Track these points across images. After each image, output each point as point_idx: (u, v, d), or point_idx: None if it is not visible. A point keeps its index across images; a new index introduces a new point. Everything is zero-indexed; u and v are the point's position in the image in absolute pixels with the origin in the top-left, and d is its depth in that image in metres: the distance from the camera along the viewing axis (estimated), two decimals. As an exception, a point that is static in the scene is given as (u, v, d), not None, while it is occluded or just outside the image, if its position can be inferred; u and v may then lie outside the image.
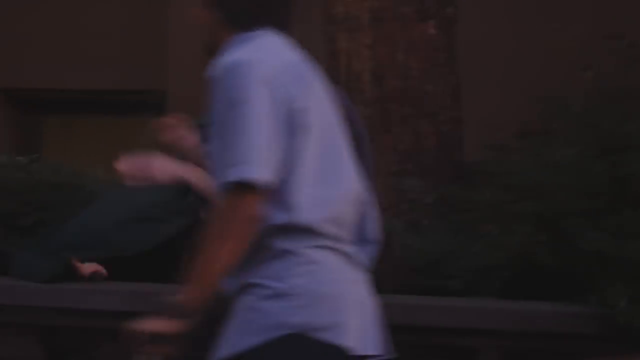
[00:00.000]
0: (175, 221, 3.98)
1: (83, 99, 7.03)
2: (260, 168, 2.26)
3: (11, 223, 4.29)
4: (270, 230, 2.32)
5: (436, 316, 3.71)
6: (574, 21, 4.23)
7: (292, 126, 2.33)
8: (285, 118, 2.32)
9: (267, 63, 2.34)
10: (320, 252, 2.38)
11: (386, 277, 4.27)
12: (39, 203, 4.31)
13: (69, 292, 3.88)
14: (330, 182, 2.40)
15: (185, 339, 2.29)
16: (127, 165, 3.85)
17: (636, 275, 3.60)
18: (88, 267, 3.94)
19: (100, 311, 3.82)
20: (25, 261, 4.00)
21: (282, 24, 2.56)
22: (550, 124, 4.31)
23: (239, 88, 2.30)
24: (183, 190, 3.95)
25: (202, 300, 2.29)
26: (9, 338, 3.97)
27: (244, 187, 2.26)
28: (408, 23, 4.54)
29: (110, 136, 6.95)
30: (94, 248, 3.95)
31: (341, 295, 2.39)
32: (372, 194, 3.66)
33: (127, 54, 6.81)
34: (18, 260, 4.02)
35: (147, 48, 6.78)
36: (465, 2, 4.84)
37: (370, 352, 2.47)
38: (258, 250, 2.33)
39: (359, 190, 2.54)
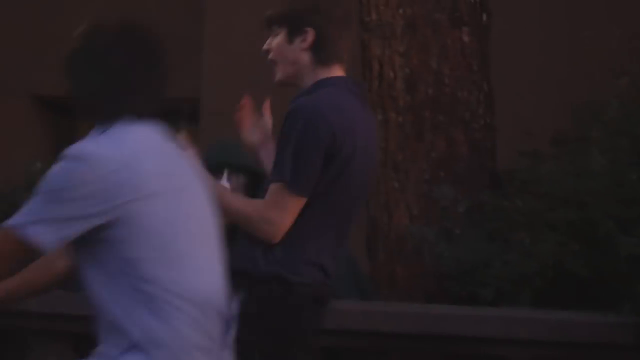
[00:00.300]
0: None
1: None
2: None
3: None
4: None
5: (467, 325, 3.69)
6: (607, 27, 4.19)
7: None
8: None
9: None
10: None
11: (418, 285, 4.29)
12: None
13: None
14: None
15: None
16: None
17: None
18: None
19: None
20: None
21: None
22: (585, 131, 4.29)
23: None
24: None
25: None
26: (45, 346, 3.99)
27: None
28: (441, 30, 4.52)
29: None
30: None
31: None
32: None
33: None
34: None
35: (179, 56, 6.81)
36: (498, 9, 4.80)
37: None
38: None
39: None
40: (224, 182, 3.67)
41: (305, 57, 3.11)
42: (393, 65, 4.51)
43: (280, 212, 2.97)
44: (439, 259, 4.08)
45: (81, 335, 3.97)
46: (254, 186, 3.71)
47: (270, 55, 3.17)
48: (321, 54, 3.11)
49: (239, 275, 2.89)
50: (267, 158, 3.25)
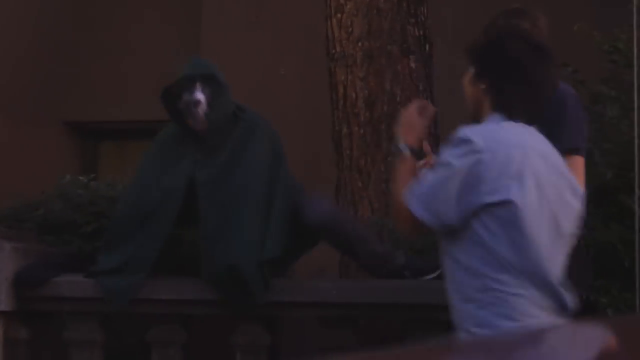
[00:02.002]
0: None
1: (132, 128, 7.08)
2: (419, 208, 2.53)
3: (75, 230, 4.33)
4: None
5: (420, 295, 3.71)
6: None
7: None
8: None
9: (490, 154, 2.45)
10: None
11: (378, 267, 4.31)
12: (98, 213, 4.32)
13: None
14: None
15: None
16: None
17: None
18: None
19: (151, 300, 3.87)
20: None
21: (532, 119, 2.63)
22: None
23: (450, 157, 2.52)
24: None
25: None
26: (75, 324, 4.00)
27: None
28: (393, 59, 4.54)
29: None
30: None
31: None
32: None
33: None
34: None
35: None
36: (439, 40, 4.86)
37: None
38: None
39: None
40: (198, 94, 3.59)
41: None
42: (355, 88, 4.54)
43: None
44: (396, 243, 4.04)
45: (106, 315, 4.02)
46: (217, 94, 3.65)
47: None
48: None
49: None
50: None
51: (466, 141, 2.50)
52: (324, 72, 4.78)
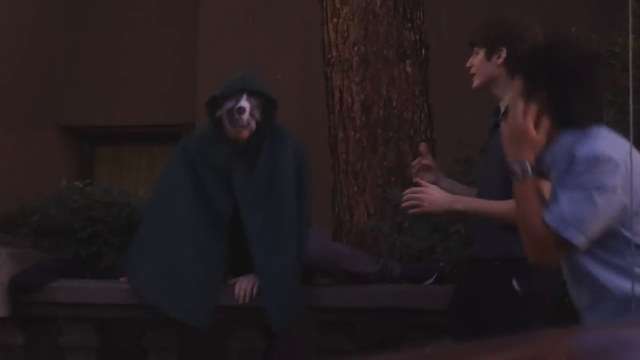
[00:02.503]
0: None
1: (129, 132, 7.09)
2: (578, 235, 2.45)
3: (71, 235, 4.33)
4: None
5: (416, 300, 3.75)
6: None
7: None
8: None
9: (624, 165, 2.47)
10: None
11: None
12: (93, 218, 4.33)
13: (119, 291, 3.93)
14: None
15: None
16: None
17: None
18: None
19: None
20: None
21: (601, 119, 2.63)
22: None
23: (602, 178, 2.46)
24: None
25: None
26: (71, 329, 4.00)
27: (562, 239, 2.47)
28: (389, 63, 4.54)
29: (151, 163, 6.99)
30: None
31: None
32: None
33: (165, 93, 6.87)
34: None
35: (177, 86, 6.82)
36: (435, 44, 4.87)
37: None
38: None
39: None
40: (243, 102, 3.75)
41: (501, 72, 3.16)
42: (351, 92, 4.54)
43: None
44: (393, 247, 4.09)
45: (102, 320, 4.02)
46: (267, 107, 3.83)
47: (472, 70, 3.24)
48: (513, 68, 3.00)
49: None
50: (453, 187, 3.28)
51: (607, 159, 2.49)
52: (320, 77, 4.79)
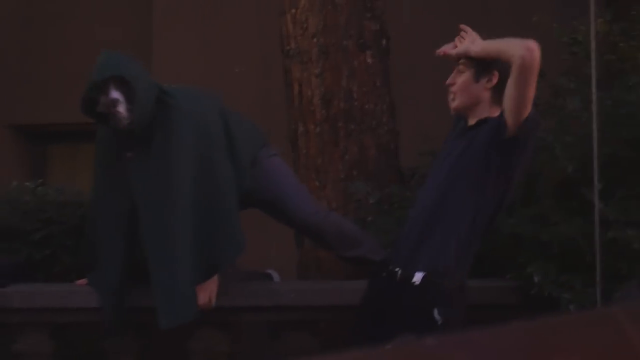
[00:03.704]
0: None
1: (81, 130, 7.02)
2: None
3: (23, 238, 4.28)
4: None
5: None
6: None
7: None
8: None
9: None
10: None
11: (338, 266, 4.34)
12: (46, 220, 4.26)
13: (75, 294, 3.89)
14: None
15: None
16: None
17: (547, 254, 3.66)
18: None
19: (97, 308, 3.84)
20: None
21: None
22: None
23: None
24: None
25: None
26: (24, 336, 3.94)
27: None
28: (349, 54, 4.54)
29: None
30: None
31: None
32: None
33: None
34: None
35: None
36: (396, 34, 4.88)
37: None
38: None
39: None
40: (113, 93, 3.50)
41: (487, 96, 3.12)
42: (310, 85, 4.53)
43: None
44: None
45: (57, 325, 3.97)
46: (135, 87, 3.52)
47: (454, 89, 3.16)
48: (499, 95, 3.07)
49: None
50: None
51: None
52: (279, 69, 4.77)
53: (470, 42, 3.11)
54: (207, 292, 3.62)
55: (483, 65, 3.10)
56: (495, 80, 3.10)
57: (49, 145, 7.27)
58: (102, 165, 3.80)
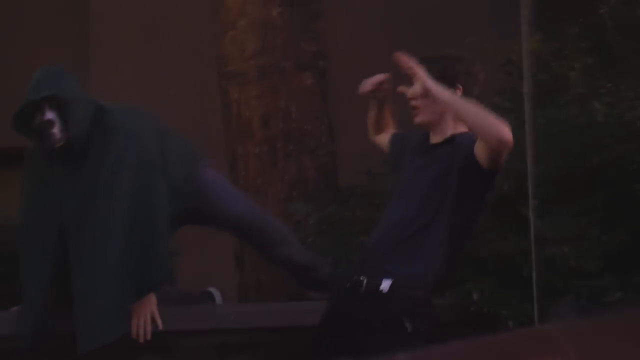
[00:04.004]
0: None
1: (14, 155, 6.91)
2: None
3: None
4: None
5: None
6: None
7: None
8: None
9: None
10: None
11: (280, 288, 4.34)
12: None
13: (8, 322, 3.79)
14: None
15: None
16: None
17: (484, 271, 3.70)
18: None
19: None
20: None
21: None
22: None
23: None
24: None
25: None
26: None
27: None
28: (288, 75, 4.57)
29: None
30: None
31: None
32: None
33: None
34: None
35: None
36: (334, 56, 4.91)
37: None
38: None
39: None
40: (48, 113, 3.42)
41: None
42: (249, 106, 4.54)
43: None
44: (297, 264, 4.08)
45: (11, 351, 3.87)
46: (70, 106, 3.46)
47: (415, 103, 3.12)
48: None
49: None
50: None
51: None
52: (216, 91, 4.76)
53: (423, 78, 3.06)
54: (143, 313, 3.58)
55: (447, 81, 3.08)
56: (459, 95, 3.11)
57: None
58: (32, 182, 3.72)
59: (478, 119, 2.93)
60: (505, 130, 2.88)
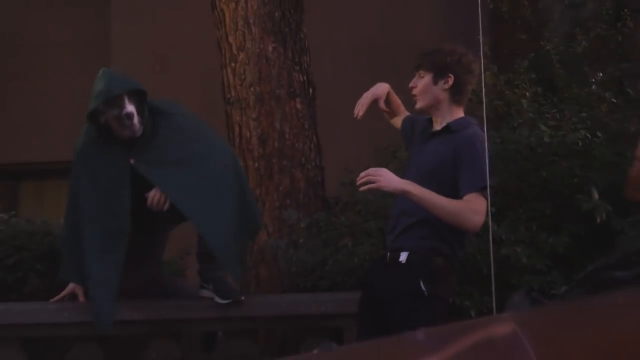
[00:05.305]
0: None
1: (49, 168, 6.89)
2: None
3: (-3, 263, 4.16)
4: None
5: (311, 306, 3.74)
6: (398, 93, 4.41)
7: None
8: None
9: None
10: None
11: (276, 282, 4.33)
12: (18, 247, 4.14)
13: (42, 311, 3.78)
14: None
15: None
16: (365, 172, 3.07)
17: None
18: None
19: (69, 323, 3.73)
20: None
21: None
22: (385, 166, 4.39)
23: None
24: None
25: None
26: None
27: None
28: (281, 101, 4.56)
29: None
30: None
31: None
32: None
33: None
34: None
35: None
36: (321, 84, 4.92)
37: None
38: None
39: None
40: (129, 107, 3.36)
41: (445, 96, 3.09)
42: (249, 127, 4.54)
43: (482, 206, 2.94)
44: (289, 262, 4.09)
45: (26, 339, 3.85)
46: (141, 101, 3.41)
47: (415, 91, 3.11)
48: (456, 95, 3.08)
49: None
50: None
51: None
52: (220, 114, 4.77)
53: (385, 180, 3.00)
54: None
55: (440, 70, 3.07)
56: (451, 82, 3.08)
57: (21, 182, 7.10)
58: (90, 173, 3.54)
59: (451, 217, 2.94)
60: (474, 224, 2.95)
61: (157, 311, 3.72)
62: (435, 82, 3.09)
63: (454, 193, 2.99)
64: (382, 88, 3.41)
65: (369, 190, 3.12)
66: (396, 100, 3.47)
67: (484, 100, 3.11)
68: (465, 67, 3.10)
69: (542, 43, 5.31)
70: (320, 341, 3.64)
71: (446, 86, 3.08)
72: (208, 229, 3.44)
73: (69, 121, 6.87)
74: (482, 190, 2.93)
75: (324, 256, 3.99)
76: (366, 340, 2.68)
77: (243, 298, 3.58)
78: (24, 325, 3.76)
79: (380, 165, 4.32)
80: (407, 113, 3.47)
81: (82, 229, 3.53)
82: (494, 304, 2.75)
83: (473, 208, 2.93)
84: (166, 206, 3.41)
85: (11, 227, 4.26)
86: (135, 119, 3.40)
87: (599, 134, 3.98)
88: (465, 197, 2.94)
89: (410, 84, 3.16)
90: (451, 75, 3.08)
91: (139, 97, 3.44)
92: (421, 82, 3.11)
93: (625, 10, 5.84)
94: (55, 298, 3.77)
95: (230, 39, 4.64)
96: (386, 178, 3.00)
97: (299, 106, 4.59)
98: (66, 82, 6.89)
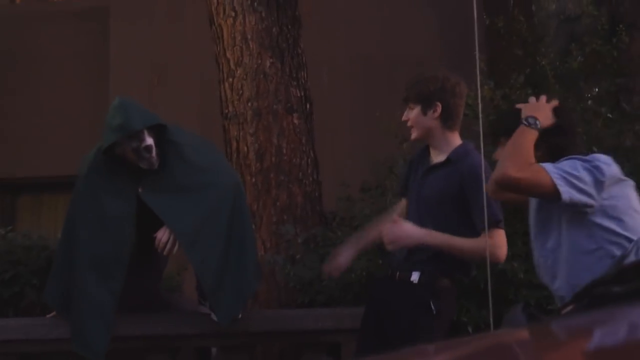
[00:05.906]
0: None
1: (46, 183, 6.88)
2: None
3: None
4: None
5: (309, 322, 3.72)
6: (390, 109, 4.40)
7: None
8: None
9: None
10: None
11: (273, 297, 4.31)
12: (14, 262, 4.13)
13: (38, 327, 3.77)
14: None
15: None
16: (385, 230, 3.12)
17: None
18: None
19: (65, 339, 3.70)
20: None
21: None
22: (382, 181, 4.41)
23: None
24: None
25: None
26: None
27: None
28: (279, 116, 4.56)
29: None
30: None
31: None
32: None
33: (80, 146, 6.72)
34: None
35: (92, 140, 6.68)
36: (318, 100, 4.93)
37: None
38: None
39: None
40: (148, 140, 3.39)
41: (436, 124, 3.11)
42: (246, 142, 4.53)
43: (502, 238, 3.02)
44: (287, 277, 4.08)
45: (22, 354, 3.83)
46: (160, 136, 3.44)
47: (409, 123, 3.15)
48: (448, 121, 3.10)
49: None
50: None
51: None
52: (218, 129, 4.77)
53: (406, 237, 3.07)
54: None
55: (425, 100, 3.11)
56: (439, 110, 3.10)
57: (18, 196, 7.09)
58: (94, 199, 3.54)
59: (473, 255, 3.03)
60: (498, 258, 3.04)
61: (153, 326, 3.71)
62: (424, 113, 3.12)
63: (463, 223, 3.05)
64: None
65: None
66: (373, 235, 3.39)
67: (480, 115, 3.12)
68: (450, 92, 3.12)
69: (538, 58, 5.34)
70: (318, 357, 3.63)
71: (435, 115, 3.11)
72: (201, 266, 3.48)
73: (66, 136, 6.92)
74: (497, 223, 3.00)
75: (321, 271, 3.92)
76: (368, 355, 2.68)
77: (240, 316, 3.56)
78: (21, 340, 3.74)
79: (377, 181, 4.41)
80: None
81: (75, 257, 3.53)
82: (491, 319, 2.75)
83: (494, 243, 2.98)
84: (175, 250, 3.44)
85: (8, 242, 4.25)
86: (154, 152, 3.44)
87: (594, 148, 3.99)
88: (483, 234, 2.97)
89: (403, 118, 3.20)
90: (438, 103, 3.11)
91: (156, 128, 3.48)
92: (412, 115, 3.16)
93: (621, 25, 5.88)
94: (52, 314, 3.76)
95: (228, 54, 4.65)
96: (406, 235, 3.06)
97: (296, 121, 4.60)
98: (64, 97, 6.91)
